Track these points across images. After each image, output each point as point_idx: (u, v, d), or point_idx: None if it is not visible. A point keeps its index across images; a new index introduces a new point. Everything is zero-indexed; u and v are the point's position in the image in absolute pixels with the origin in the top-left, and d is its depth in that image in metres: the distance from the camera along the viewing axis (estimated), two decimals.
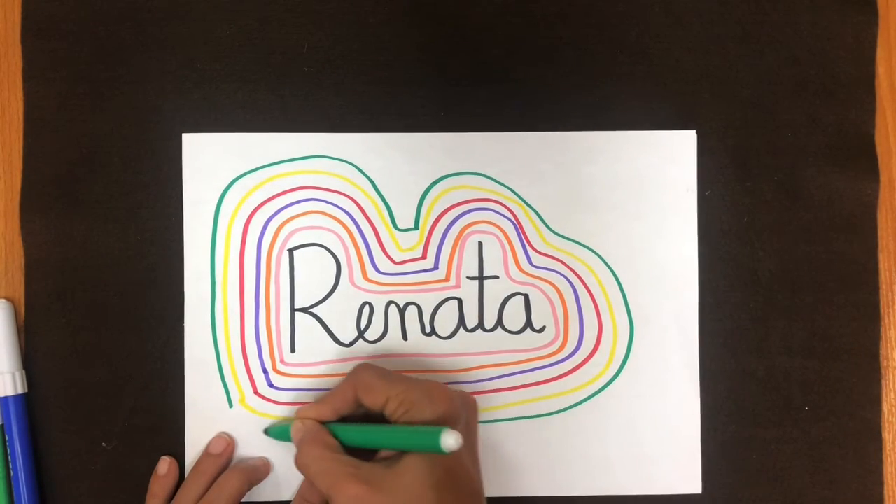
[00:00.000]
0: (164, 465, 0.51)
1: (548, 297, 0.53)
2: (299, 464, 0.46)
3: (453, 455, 0.43)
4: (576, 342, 0.53)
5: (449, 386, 0.48)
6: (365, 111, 0.53)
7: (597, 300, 0.53)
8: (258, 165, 0.52)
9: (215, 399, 0.52)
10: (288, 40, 0.53)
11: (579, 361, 0.53)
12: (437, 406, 0.45)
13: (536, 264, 0.53)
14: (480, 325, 0.53)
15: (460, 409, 0.46)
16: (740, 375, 0.53)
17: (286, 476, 0.52)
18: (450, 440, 0.41)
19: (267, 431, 0.52)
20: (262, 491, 0.52)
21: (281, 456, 0.52)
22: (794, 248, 0.53)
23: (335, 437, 0.47)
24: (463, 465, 0.45)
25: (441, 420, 0.44)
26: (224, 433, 0.52)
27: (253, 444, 0.52)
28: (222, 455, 0.51)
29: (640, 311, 0.53)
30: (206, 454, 0.51)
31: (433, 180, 0.53)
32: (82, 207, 0.52)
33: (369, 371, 0.48)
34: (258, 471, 0.51)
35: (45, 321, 0.52)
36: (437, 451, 0.42)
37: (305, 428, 0.48)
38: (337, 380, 0.52)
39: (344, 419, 0.48)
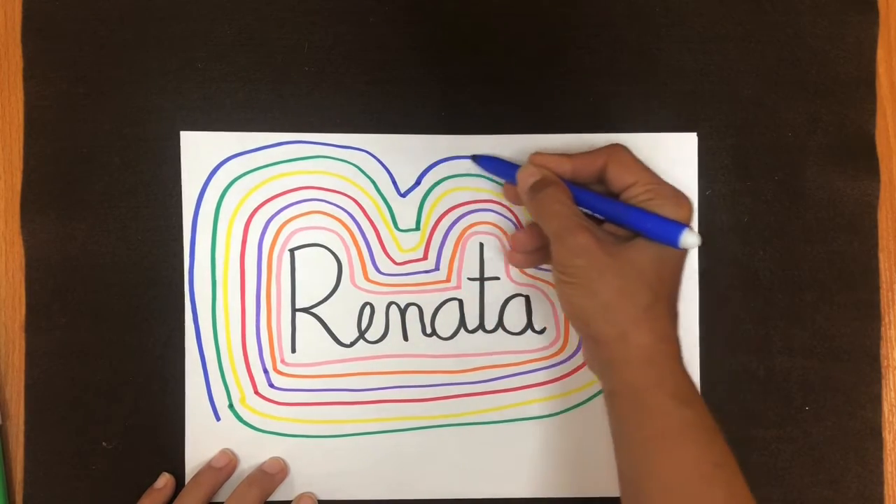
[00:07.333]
0: (162, 480, 0.51)
1: (549, 299, 0.53)
2: (534, 205, 0.46)
3: (678, 257, 0.44)
4: (577, 343, 0.53)
5: None
6: (365, 111, 0.53)
7: None
8: (258, 165, 0.52)
9: (216, 399, 0.52)
10: (288, 40, 0.53)
11: (580, 362, 0.53)
12: (682, 209, 0.45)
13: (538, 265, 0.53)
14: (481, 326, 0.53)
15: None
16: (740, 375, 0.53)
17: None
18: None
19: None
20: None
21: (281, 454, 0.52)
22: (795, 248, 0.53)
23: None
24: (679, 270, 0.45)
25: (682, 221, 0.44)
26: (228, 449, 0.52)
27: (253, 445, 0.52)
28: (224, 470, 0.51)
29: None
30: (208, 467, 0.51)
31: (435, 181, 0.53)
32: (82, 207, 0.52)
33: (626, 150, 0.47)
34: (273, 479, 0.51)
35: (45, 321, 0.52)
36: (671, 243, 0.43)
37: (546, 175, 0.47)
38: (338, 380, 0.52)
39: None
